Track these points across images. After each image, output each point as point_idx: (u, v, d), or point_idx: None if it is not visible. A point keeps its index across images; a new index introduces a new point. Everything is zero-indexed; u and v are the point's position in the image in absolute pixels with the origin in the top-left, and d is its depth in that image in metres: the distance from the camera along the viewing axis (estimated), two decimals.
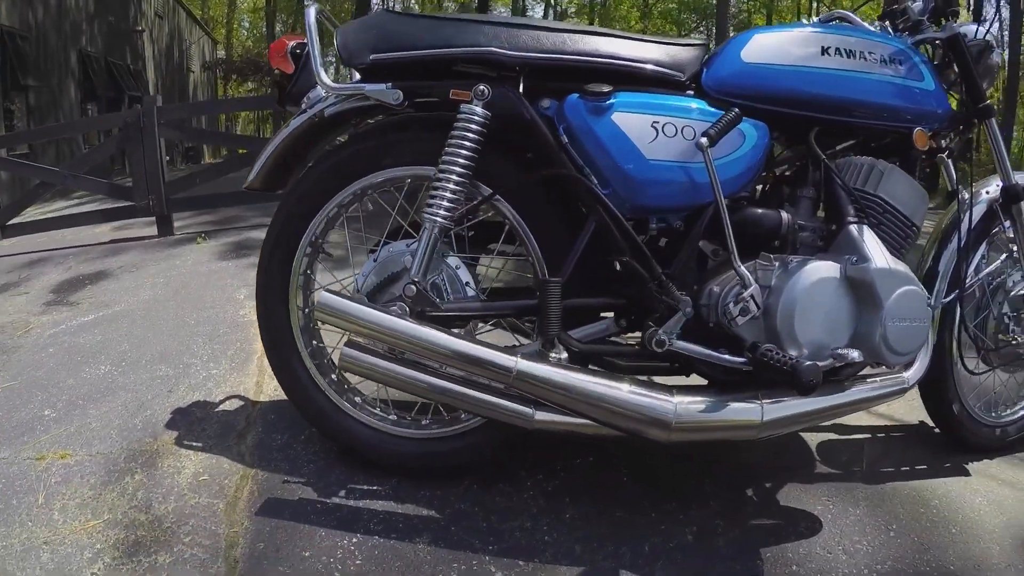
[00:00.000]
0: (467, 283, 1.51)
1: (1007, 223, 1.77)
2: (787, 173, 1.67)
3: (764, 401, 1.37)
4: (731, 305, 1.37)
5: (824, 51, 1.51)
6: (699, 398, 1.36)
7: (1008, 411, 1.94)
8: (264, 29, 25.85)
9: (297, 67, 1.52)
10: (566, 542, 1.40)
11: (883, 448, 1.92)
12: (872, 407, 1.76)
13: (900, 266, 1.44)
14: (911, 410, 1.99)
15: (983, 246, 1.82)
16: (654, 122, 1.42)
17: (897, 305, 1.40)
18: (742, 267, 1.38)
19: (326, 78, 1.43)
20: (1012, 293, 1.82)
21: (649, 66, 1.46)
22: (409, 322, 1.33)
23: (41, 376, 2.09)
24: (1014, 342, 1.80)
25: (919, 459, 1.86)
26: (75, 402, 1.89)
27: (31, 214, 5.73)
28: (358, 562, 1.30)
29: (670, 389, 1.36)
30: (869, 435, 1.97)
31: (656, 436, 1.34)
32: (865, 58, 1.53)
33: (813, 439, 1.86)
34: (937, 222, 1.81)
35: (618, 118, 1.42)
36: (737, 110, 1.39)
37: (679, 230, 1.49)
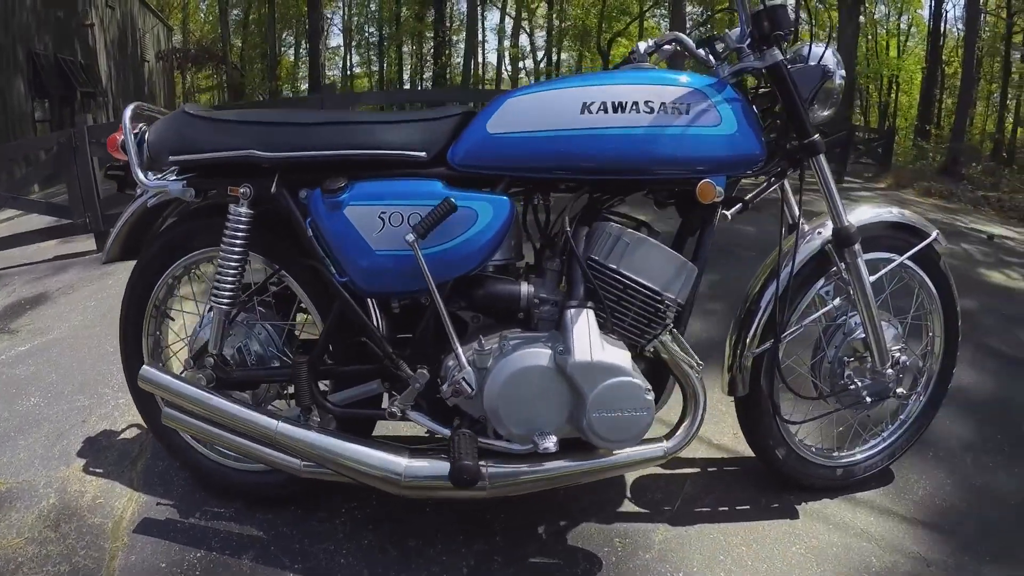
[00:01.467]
0: (268, 347, 1.69)
1: (842, 265, 1.68)
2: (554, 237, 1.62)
3: (489, 464, 1.45)
4: (446, 386, 1.44)
5: (585, 108, 1.43)
6: (428, 462, 1.47)
7: (852, 451, 1.90)
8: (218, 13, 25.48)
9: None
10: (357, 566, 1.60)
11: (707, 485, 1.90)
12: (621, 473, 1.70)
13: (611, 357, 1.40)
14: None
15: (820, 284, 1.75)
16: (381, 213, 1.45)
17: (602, 397, 1.39)
18: (459, 348, 1.43)
19: (141, 176, 1.57)
20: (849, 337, 1.77)
21: (388, 151, 1.47)
22: (201, 391, 1.56)
23: None
24: (851, 386, 1.76)
25: (745, 498, 1.85)
26: (8, 434, 2.17)
27: None
28: (197, 574, 1.58)
29: (405, 451, 1.50)
30: (698, 469, 1.97)
31: (390, 491, 1.48)
32: (637, 109, 1.43)
33: (635, 472, 1.86)
34: (760, 269, 1.77)
35: (349, 212, 1.46)
36: (451, 199, 1.40)
37: (425, 305, 1.52)
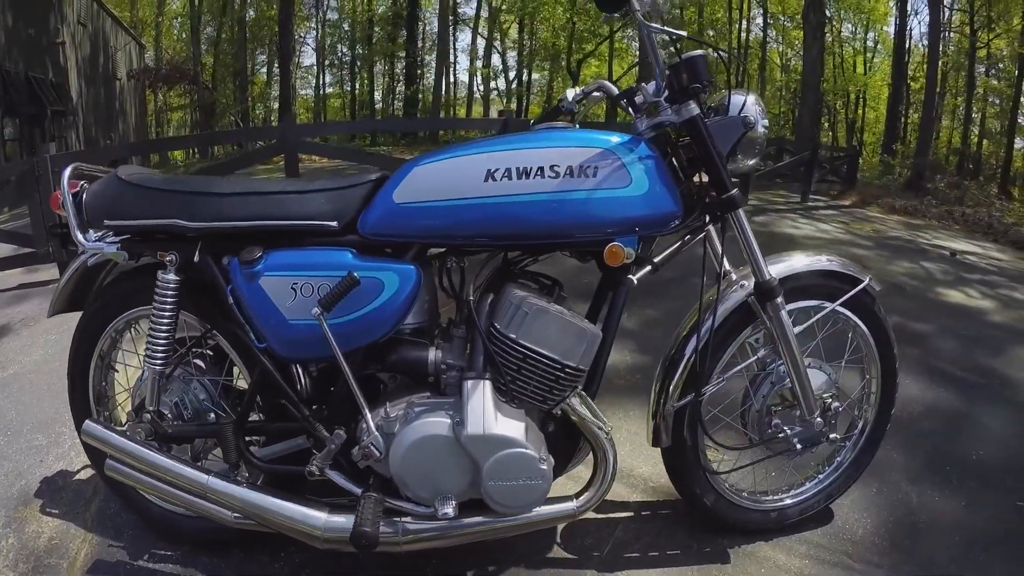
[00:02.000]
0: (204, 401, 1.73)
1: (766, 318, 1.68)
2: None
3: (404, 521, 1.53)
4: (356, 449, 1.51)
5: (489, 176, 1.44)
6: (344, 518, 1.52)
7: (786, 494, 1.92)
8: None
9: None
10: None
11: (639, 529, 1.91)
12: (532, 530, 1.67)
13: (504, 429, 1.43)
14: None
15: (747, 333, 1.75)
16: (293, 284, 1.49)
17: (496, 468, 1.43)
18: (367, 414, 1.49)
19: (80, 238, 1.61)
20: (777, 386, 1.77)
21: (301, 222, 1.51)
22: (139, 446, 1.62)
23: None
24: (780, 434, 1.75)
25: (676, 543, 1.85)
26: None
27: None
28: None
29: (325, 507, 1.55)
30: (631, 513, 1.99)
31: (313, 544, 1.55)
32: (543, 174, 1.43)
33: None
34: (686, 318, 1.76)
35: (264, 282, 1.51)
36: (354, 274, 1.43)
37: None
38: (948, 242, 7.95)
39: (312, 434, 1.58)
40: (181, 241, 1.58)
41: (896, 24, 22.63)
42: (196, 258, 1.56)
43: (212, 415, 1.75)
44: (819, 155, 10.39)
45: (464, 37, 35.49)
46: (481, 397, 1.45)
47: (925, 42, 21.84)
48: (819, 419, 1.75)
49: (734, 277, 1.72)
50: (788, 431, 1.76)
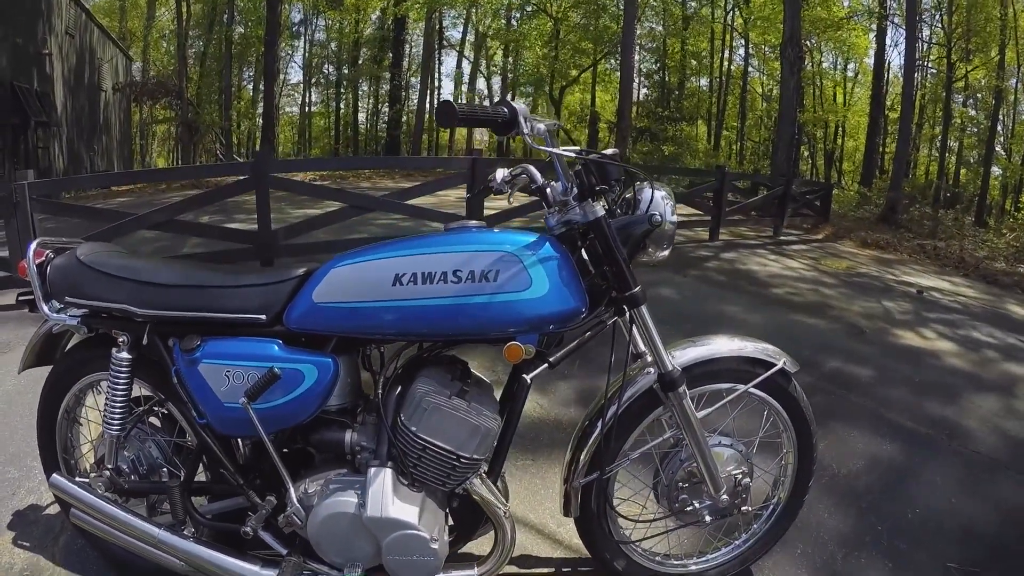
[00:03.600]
0: (157, 458, 1.88)
1: (670, 403, 1.74)
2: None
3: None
4: (282, 517, 1.66)
5: (397, 280, 1.53)
6: (275, 571, 1.67)
7: (700, 558, 2.02)
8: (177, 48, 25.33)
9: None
10: None
11: None
12: None
13: (398, 513, 1.56)
14: None
15: (655, 414, 1.82)
16: (226, 371, 1.63)
17: (393, 545, 1.58)
18: (291, 488, 1.64)
19: (44, 309, 1.78)
20: (684, 464, 1.86)
21: (234, 315, 1.64)
22: (99, 500, 1.78)
23: None
24: (688, 508, 1.85)
25: None
26: None
27: None
28: None
29: (259, 561, 1.71)
30: (551, 569, 2.08)
31: None
32: (446, 279, 1.51)
33: None
34: (598, 397, 1.83)
35: (202, 368, 1.65)
36: (275, 369, 1.57)
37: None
38: (917, 278, 8.10)
39: (247, 499, 1.73)
40: (132, 323, 1.74)
41: (875, 58, 23.10)
42: (145, 340, 1.72)
43: (165, 471, 1.90)
44: (792, 189, 10.52)
45: (450, 61, 35.59)
46: (382, 483, 1.59)
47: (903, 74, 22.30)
48: (725, 496, 1.84)
49: (648, 359, 1.78)
50: (696, 504, 1.86)
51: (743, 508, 1.86)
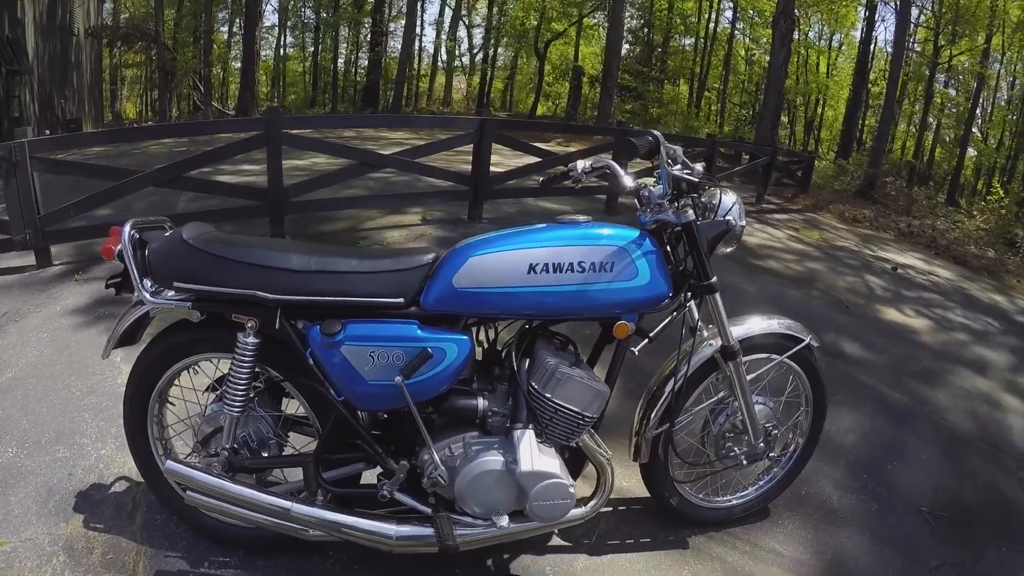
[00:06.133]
0: (267, 433, 1.98)
1: (728, 370, 2.12)
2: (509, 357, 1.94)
3: (466, 530, 1.87)
4: (425, 478, 1.84)
5: (531, 269, 1.78)
6: (410, 528, 1.85)
7: (732, 496, 2.43)
8: None
9: (126, 268, 1.82)
10: None
11: (618, 522, 2.35)
12: (552, 531, 2.16)
13: (546, 466, 1.81)
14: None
15: (709, 380, 2.20)
16: (371, 352, 1.76)
17: (540, 493, 1.82)
18: (434, 452, 1.82)
19: (145, 294, 1.80)
20: (731, 418, 2.24)
21: (373, 299, 1.77)
22: (222, 481, 1.85)
23: None
24: (731, 453, 2.24)
25: (647, 533, 2.31)
26: None
27: None
28: None
29: (393, 519, 1.87)
30: (611, 509, 2.39)
31: (383, 549, 1.87)
32: (573, 269, 1.79)
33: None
34: (665, 363, 2.17)
35: (345, 351, 1.76)
36: (428, 350, 1.74)
37: (404, 411, 1.82)
38: (892, 254, 8.47)
39: (382, 466, 1.90)
40: (260, 308, 1.80)
41: (863, 32, 23.18)
42: (276, 325, 1.80)
43: (273, 442, 2.02)
44: (776, 160, 10.75)
45: (432, 9, 34.78)
46: (529, 442, 1.84)
47: (889, 49, 22.45)
48: (762, 444, 2.25)
49: (705, 335, 2.15)
50: (737, 451, 2.26)
51: (771, 454, 2.31)
